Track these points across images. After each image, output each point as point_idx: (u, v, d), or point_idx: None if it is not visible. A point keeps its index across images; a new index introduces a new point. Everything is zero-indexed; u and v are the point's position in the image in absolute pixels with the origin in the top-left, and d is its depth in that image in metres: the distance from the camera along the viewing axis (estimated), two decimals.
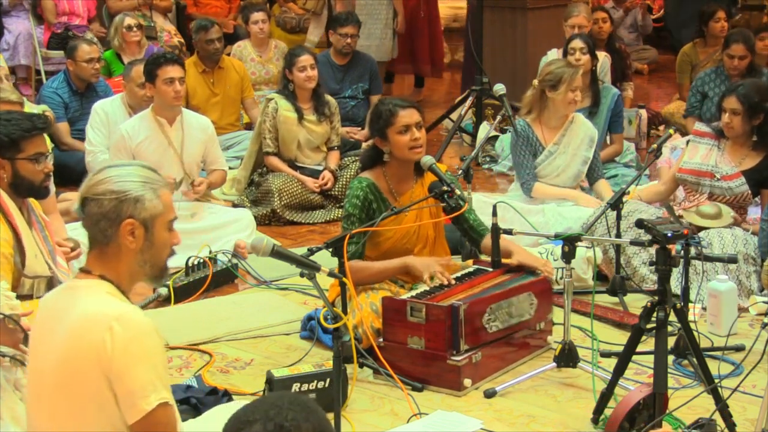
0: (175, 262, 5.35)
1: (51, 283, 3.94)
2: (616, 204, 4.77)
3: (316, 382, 3.78)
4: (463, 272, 4.45)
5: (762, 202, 5.29)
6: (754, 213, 5.42)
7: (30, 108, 6.03)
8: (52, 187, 4.72)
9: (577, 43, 6.64)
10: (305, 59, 6.55)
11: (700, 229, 5.10)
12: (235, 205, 6.42)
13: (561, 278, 4.66)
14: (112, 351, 2.48)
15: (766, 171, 5.23)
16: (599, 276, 5.06)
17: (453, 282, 4.27)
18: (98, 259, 2.65)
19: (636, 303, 4.89)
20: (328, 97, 6.81)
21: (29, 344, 2.83)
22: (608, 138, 6.78)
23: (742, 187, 5.21)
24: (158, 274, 2.74)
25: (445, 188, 4.22)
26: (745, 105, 5.15)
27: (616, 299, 4.89)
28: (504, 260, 4.41)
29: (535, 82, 5.80)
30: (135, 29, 8.30)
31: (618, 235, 4.83)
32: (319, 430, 2.02)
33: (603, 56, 7.39)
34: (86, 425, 2.53)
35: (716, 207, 5.18)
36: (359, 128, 7.73)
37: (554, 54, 7.33)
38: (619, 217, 4.87)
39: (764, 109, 5.18)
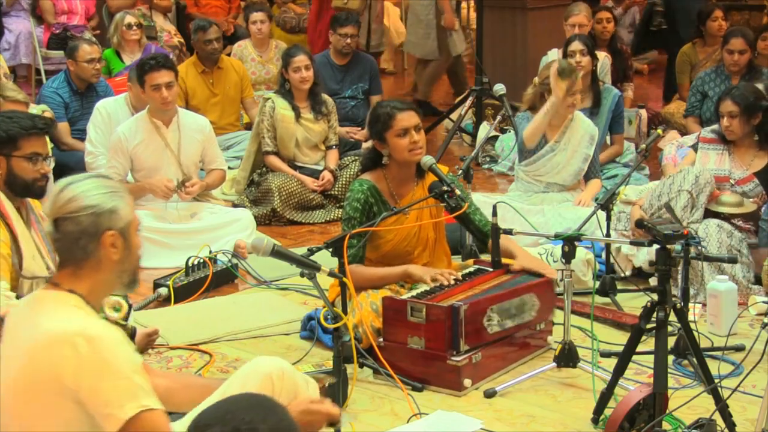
0: (175, 262, 5.41)
1: None
2: (606, 204, 4.80)
3: None
4: (464, 272, 4.45)
5: None
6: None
7: (30, 108, 6.03)
8: (52, 188, 4.72)
9: (577, 45, 6.62)
10: (299, 60, 6.55)
11: (727, 217, 5.09)
12: (235, 205, 6.42)
13: (560, 280, 4.67)
14: (78, 366, 2.45)
15: None
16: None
17: (459, 278, 4.26)
18: (72, 275, 2.62)
19: (629, 302, 4.91)
20: (325, 96, 6.82)
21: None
22: (609, 139, 6.79)
23: (757, 189, 5.20)
24: (133, 280, 2.72)
25: (444, 188, 4.21)
26: (741, 105, 5.15)
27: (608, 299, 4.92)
28: (507, 261, 4.41)
29: (536, 80, 5.81)
30: (135, 27, 8.31)
31: (608, 236, 4.89)
32: (276, 428, 2.01)
33: (603, 56, 7.39)
34: None
35: (737, 197, 5.17)
36: (359, 128, 7.74)
37: (554, 54, 7.33)
38: (608, 218, 4.88)
39: (761, 108, 5.18)
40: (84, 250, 2.60)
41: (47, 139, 4.15)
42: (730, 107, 5.18)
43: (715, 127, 5.43)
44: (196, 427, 2.03)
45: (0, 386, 2.57)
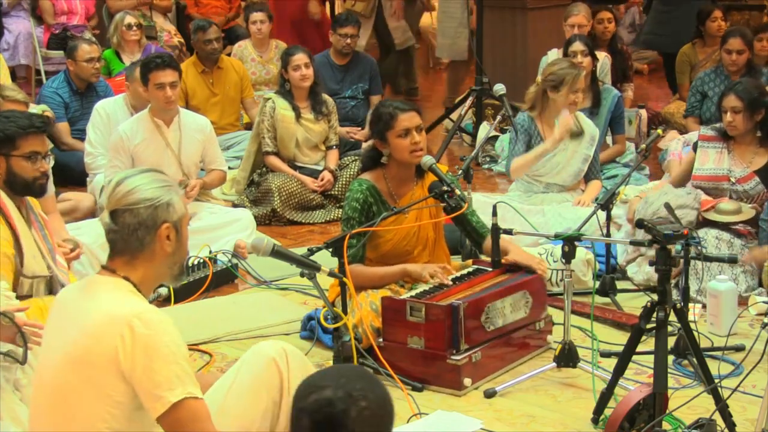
0: None
1: (50, 283, 3.93)
2: (606, 204, 4.79)
3: None
4: (463, 272, 4.45)
5: None
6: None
7: (30, 108, 6.04)
8: (52, 187, 4.72)
9: (578, 46, 6.62)
10: (299, 58, 6.56)
11: (725, 226, 5.09)
12: (235, 205, 6.42)
13: (560, 280, 4.67)
14: (132, 347, 2.54)
15: None
16: None
17: (450, 283, 4.26)
18: (127, 264, 2.72)
19: (629, 302, 4.91)
20: (326, 96, 6.82)
21: (44, 334, 2.87)
22: (610, 139, 6.78)
23: (758, 188, 5.19)
24: (180, 272, 2.82)
25: (444, 188, 4.21)
26: (745, 101, 5.13)
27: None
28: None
29: (539, 78, 5.81)
30: (134, 28, 8.32)
31: (608, 236, 4.88)
32: (382, 403, 2.17)
33: (603, 56, 7.39)
34: (86, 417, 2.58)
35: (735, 204, 5.15)
36: (359, 128, 7.74)
37: (554, 54, 7.32)
38: (608, 218, 4.88)
39: (764, 104, 5.17)
40: (141, 241, 2.69)
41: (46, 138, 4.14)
42: (733, 102, 5.16)
43: (716, 125, 5.42)
44: (309, 385, 2.16)
45: (47, 359, 2.69)
